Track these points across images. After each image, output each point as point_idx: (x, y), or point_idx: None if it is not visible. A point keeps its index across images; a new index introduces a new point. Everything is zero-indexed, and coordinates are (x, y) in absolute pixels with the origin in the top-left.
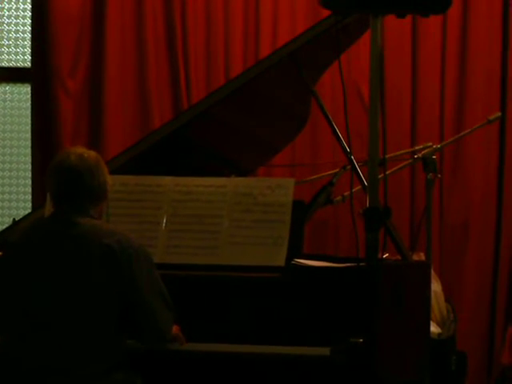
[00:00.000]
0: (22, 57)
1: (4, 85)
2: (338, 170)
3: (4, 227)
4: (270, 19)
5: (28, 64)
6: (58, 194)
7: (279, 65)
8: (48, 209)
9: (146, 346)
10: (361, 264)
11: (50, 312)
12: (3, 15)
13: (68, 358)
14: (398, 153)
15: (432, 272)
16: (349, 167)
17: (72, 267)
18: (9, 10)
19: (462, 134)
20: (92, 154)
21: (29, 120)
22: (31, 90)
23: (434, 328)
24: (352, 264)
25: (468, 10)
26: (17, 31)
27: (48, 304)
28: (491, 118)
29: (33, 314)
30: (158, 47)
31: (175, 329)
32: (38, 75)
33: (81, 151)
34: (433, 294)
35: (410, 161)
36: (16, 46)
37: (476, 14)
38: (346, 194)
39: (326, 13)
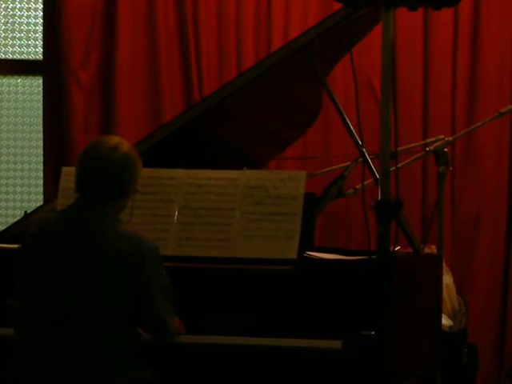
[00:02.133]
0: (33, 49)
1: (16, 77)
2: (349, 162)
3: (16, 220)
4: (282, 11)
5: (40, 56)
6: (80, 182)
7: (291, 57)
8: (60, 202)
9: (153, 342)
10: (372, 257)
11: (63, 307)
12: (15, 8)
13: (82, 353)
14: (409, 146)
15: (444, 265)
16: (360, 160)
17: (86, 269)
18: (20, 2)
19: (473, 126)
20: (124, 146)
21: (40, 112)
22: (43, 82)
23: (445, 321)
24: (363, 257)
25: (480, 3)
26: (28, 24)
27: (61, 300)
28: (503, 110)
29: (46, 308)
30: (169, 39)
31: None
32: (49, 67)
33: (113, 142)
34: (444, 287)
35: (421, 154)
36: (28, 39)
37: (488, 7)
38: (358, 186)
39: (337, 6)
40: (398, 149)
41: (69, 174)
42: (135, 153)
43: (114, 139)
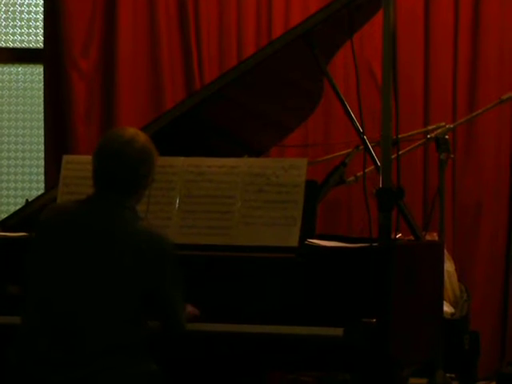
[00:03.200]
0: (34, 37)
1: (17, 65)
2: (350, 150)
3: (17, 208)
4: None
5: (40, 45)
6: (97, 176)
7: (292, 45)
8: (61, 190)
9: (164, 335)
10: (373, 244)
11: (77, 298)
12: None
13: (94, 345)
14: (410, 133)
15: (445, 252)
16: (361, 147)
17: (101, 260)
18: None
19: (474, 113)
20: (141, 139)
21: (41, 101)
22: (44, 70)
23: (447, 308)
24: (365, 244)
25: None
26: (29, 12)
27: (75, 291)
28: (504, 97)
29: (60, 298)
30: (170, 27)
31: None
32: (50, 56)
33: (129, 135)
34: (446, 274)
35: (423, 141)
36: (28, 27)
37: None
38: (359, 174)
39: None
40: (399, 136)
41: (70, 162)
42: (151, 144)
43: (129, 131)
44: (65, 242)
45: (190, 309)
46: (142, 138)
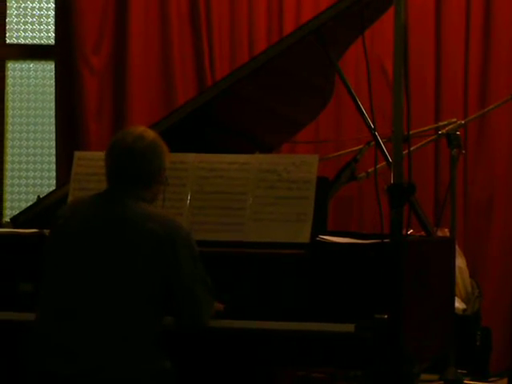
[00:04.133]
0: (45, 34)
1: (28, 62)
2: (362, 146)
3: (29, 204)
4: None
5: (52, 41)
6: (110, 173)
7: (303, 41)
8: (72, 186)
9: (183, 330)
10: (385, 240)
11: (91, 292)
12: None
13: (107, 336)
14: (422, 129)
15: (456, 248)
16: (373, 143)
17: (117, 249)
18: None
19: (486, 109)
20: (150, 135)
21: (53, 97)
22: (55, 67)
23: (458, 304)
24: (376, 240)
25: None
26: (40, 8)
27: (90, 284)
28: None
29: (74, 293)
30: (181, 24)
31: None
32: (61, 52)
33: (138, 132)
34: (457, 270)
35: (434, 137)
36: (40, 24)
37: None
38: (370, 170)
39: None
40: (411, 132)
41: (81, 158)
42: (160, 140)
43: (138, 129)
44: (82, 236)
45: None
46: (152, 134)
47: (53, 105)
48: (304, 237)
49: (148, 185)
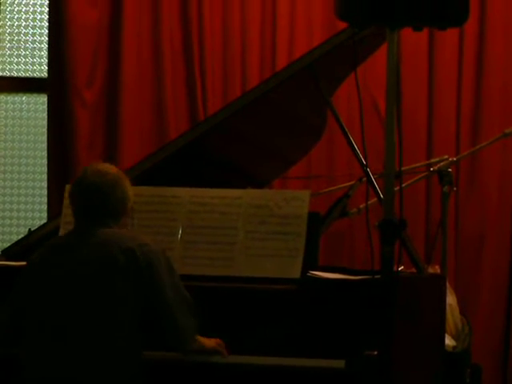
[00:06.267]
0: (38, 67)
1: (21, 95)
2: (353, 182)
3: (20, 237)
4: (287, 31)
5: (45, 74)
6: (77, 210)
7: (296, 76)
8: (64, 220)
9: (171, 349)
10: (376, 276)
11: (71, 322)
12: (20, 25)
13: (89, 368)
14: (413, 165)
15: (447, 285)
16: (364, 179)
17: (93, 274)
18: (26, 20)
19: (478, 147)
20: (111, 169)
21: (45, 130)
22: (48, 100)
23: (448, 341)
24: (367, 276)
25: (485, 23)
26: (34, 41)
27: (69, 314)
28: (507, 131)
29: (53, 325)
30: (174, 58)
31: (214, 341)
32: (54, 86)
33: (99, 168)
34: (448, 307)
35: (425, 173)
36: (33, 57)
37: (493, 27)
38: (362, 206)
39: (342, 25)
40: (402, 168)
41: None
42: (122, 173)
43: (98, 165)
44: (54, 269)
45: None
46: (114, 169)
47: (45, 138)
48: (295, 272)
49: (115, 217)
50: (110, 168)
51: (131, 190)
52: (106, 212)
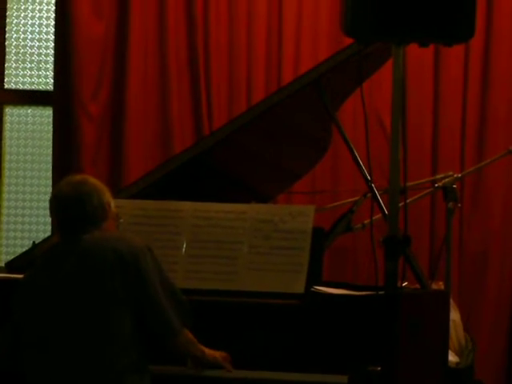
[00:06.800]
0: (44, 80)
1: (26, 107)
2: (358, 197)
3: (24, 250)
4: (293, 46)
5: (50, 87)
6: (58, 223)
7: (301, 91)
8: None
9: (161, 343)
10: (380, 292)
11: (67, 331)
12: (26, 38)
13: (86, 374)
14: (418, 181)
15: (451, 301)
16: (369, 195)
17: (82, 280)
18: (32, 32)
19: (482, 163)
20: (85, 180)
21: (50, 143)
22: (53, 113)
23: (452, 357)
24: (371, 292)
25: (491, 40)
26: (39, 54)
27: (65, 323)
28: None
29: (51, 336)
30: (180, 73)
31: (219, 354)
32: (59, 99)
33: (73, 179)
34: (451, 323)
35: (430, 189)
36: (38, 69)
37: (498, 43)
38: (366, 221)
39: (348, 41)
40: (407, 184)
41: None
42: (97, 181)
43: (73, 177)
44: (45, 279)
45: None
46: (88, 180)
47: (50, 150)
48: (299, 287)
49: (96, 223)
50: (83, 178)
51: (110, 197)
52: (86, 219)
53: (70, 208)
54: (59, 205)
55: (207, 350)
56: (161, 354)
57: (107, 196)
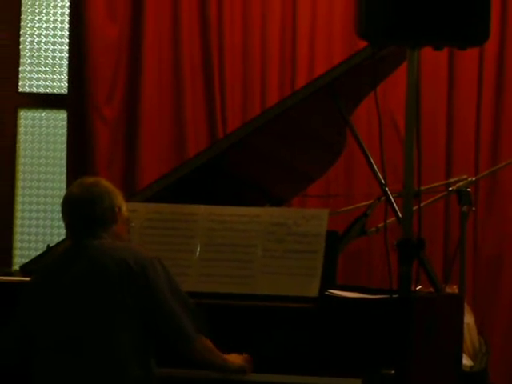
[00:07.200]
0: (58, 83)
1: (40, 111)
2: (372, 201)
3: (38, 253)
4: (307, 50)
5: (65, 91)
6: (68, 225)
7: (315, 95)
8: None
9: (178, 351)
10: (394, 296)
11: (74, 335)
12: (41, 41)
13: (92, 380)
14: (432, 185)
15: (465, 304)
16: (383, 198)
17: (90, 287)
18: (46, 36)
19: (497, 166)
20: (97, 182)
21: (64, 146)
22: (67, 116)
23: (466, 361)
24: (385, 295)
25: (505, 43)
26: (54, 57)
27: (72, 328)
28: None
29: (58, 339)
30: (194, 75)
31: (242, 358)
32: (74, 102)
33: (84, 181)
34: (465, 327)
35: (444, 193)
36: (53, 73)
37: None
38: (380, 225)
39: (362, 44)
40: (421, 188)
41: None
42: (108, 182)
43: (84, 179)
44: (53, 284)
45: (238, 359)
46: (99, 182)
47: (64, 154)
48: (313, 291)
49: (105, 225)
50: (96, 181)
51: (122, 200)
52: (95, 220)
53: (79, 208)
54: (70, 205)
55: (230, 358)
56: (173, 356)
57: (119, 199)
